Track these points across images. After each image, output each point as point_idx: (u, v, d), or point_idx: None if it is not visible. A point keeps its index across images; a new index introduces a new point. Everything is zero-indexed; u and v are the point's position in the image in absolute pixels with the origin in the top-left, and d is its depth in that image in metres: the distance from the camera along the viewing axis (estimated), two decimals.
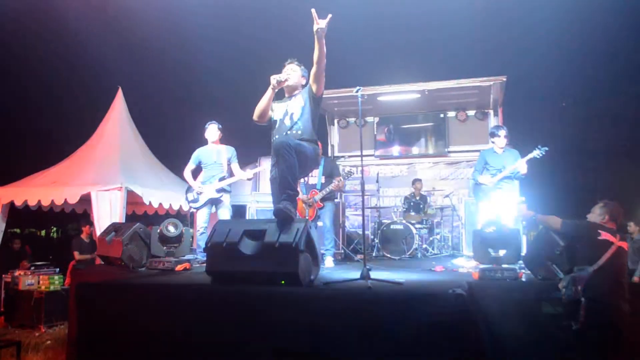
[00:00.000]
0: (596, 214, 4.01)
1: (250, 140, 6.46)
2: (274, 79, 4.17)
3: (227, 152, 6.17)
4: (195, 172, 6.25)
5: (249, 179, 6.40)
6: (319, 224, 6.15)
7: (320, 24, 3.84)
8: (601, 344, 3.53)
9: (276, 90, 4.24)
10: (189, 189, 6.11)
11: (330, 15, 3.84)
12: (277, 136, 4.29)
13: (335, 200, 6.77)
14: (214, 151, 6.15)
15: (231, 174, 6.11)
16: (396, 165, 10.10)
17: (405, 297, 3.44)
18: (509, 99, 9.06)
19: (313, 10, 3.80)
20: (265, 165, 5.91)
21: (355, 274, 3.95)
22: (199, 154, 6.18)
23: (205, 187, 5.99)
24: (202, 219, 5.99)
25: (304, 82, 4.46)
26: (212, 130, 6.21)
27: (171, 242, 5.18)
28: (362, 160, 4.92)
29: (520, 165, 5.73)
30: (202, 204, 5.97)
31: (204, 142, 6.26)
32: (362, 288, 3.55)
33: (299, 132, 4.23)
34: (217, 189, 5.98)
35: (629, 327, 3.56)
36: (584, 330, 3.46)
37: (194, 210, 6.11)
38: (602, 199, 4.10)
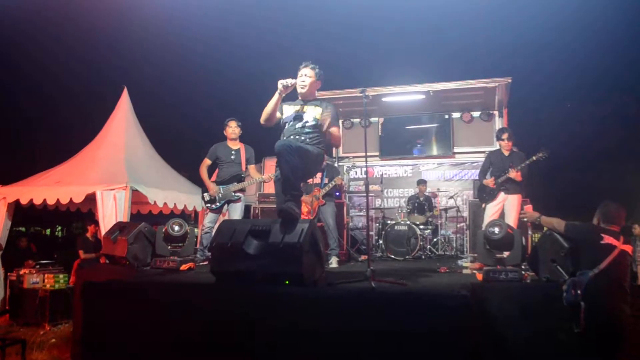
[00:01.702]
0: (595, 217, 4.01)
1: (254, 141, 6.43)
2: (280, 83, 4.11)
3: (247, 151, 6.08)
4: (211, 168, 6.12)
5: (265, 182, 6.33)
6: (321, 224, 6.15)
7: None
8: (602, 347, 3.51)
9: (283, 95, 4.18)
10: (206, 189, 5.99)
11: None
12: (283, 139, 4.24)
13: (338, 200, 6.78)
14: (233, 149, 6.04)
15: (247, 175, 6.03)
16: (400, 166, 10.09)
17: (409, 298, 3.43)
18: (514, 100, 9.03)
19: None
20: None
21: (359, 274, 3.95)
22: (216, 150, 6.04)
23: (223, 188, 5.89)
24: (210, 219, 5.94)
25: (319, 86, 4.38)
26: (233, 127, 6.08)
27: (176, 241, 5.19)
28: (366, 160, 4.92)
29: (513, 174, 5.77)
30: (220, 205, 5.90)
31: (216, 139, 6.15)
32: (366, 289, 3.55)
33: (307, 138, 4.20)
34: (235, 190, 5.91)
35: (631, 330, 3.54)
36: (585, 333, 3.45)
37: (210, 210, 5.99)
38: (605, 200, 4.07)
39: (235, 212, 5.93)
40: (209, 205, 5.94)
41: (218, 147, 6.08)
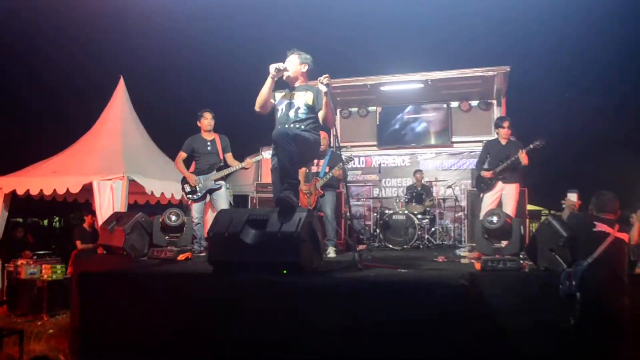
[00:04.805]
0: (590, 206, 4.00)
1: (251, 129, 6.41)
2: (273, 67, 4.13)
3: (222, 141, 6.08)
4: (187, 161, 6.14)
5: (245, 169, 6.31)
6: (320, 214, 6.13)
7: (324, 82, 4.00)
8: (598, 338, 3.50)
9: (276, 79, 4.20)
10: (185, 179, 6.00)
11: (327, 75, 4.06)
12: (279, 127, 4.24)
13: (337, 190, 6.74)
14: (208, 140, 6.05)
15: (226, 164, 6.05)
16: (398, 155, 10.06)
17: (406, 287, 3.43)
18: (513, 89, 8.99)
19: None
20: (265, 154, 5.83)
21: (352, 262, 3.98)
22: (191, 142, 6.06)
23: (203, 178, 5.90)
24: (198, 210, 5.95)
25: (304, 69, 4.37)
26: (207, 119, 6.09)
27: (173, 231, 5.17)
28: (341, 146, 4.89)
29: (521, 156, 5.71)
30: (201, 195, 5.91)
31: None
32: (362, 278, 3.55)
33: (302, 125, 4.19)
34: (216, 179, 5.92)
35: (630, 320, 3.51)
36: (581, 323, 3.44)
37: (193, 202, 6.01)
38: (599, 189, 4.04)
39: (220, 201, 5.92)
40: (190, 196, 5.95)
41: (193, 139, 6.08)
